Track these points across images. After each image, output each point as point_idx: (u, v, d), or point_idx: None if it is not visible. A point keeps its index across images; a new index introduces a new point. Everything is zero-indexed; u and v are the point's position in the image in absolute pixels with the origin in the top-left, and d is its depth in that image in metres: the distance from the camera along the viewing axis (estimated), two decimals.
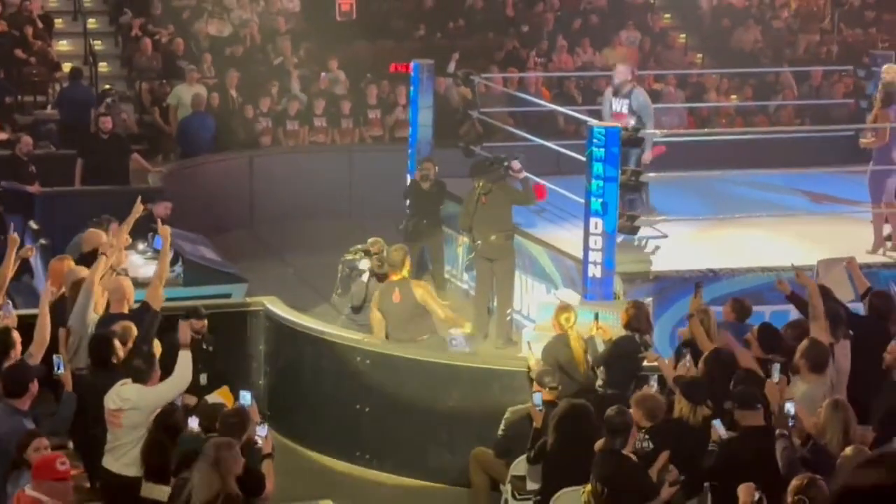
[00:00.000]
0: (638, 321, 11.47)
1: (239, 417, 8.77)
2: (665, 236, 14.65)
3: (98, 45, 22.06)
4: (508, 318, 14.74)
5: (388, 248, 13.43)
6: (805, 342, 10.14)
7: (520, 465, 10.65)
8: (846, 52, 23.07)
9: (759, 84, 22.19)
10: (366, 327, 13.34)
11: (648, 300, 13.15)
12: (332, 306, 14.56)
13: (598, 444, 9.22)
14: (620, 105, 15.04)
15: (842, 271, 12.58)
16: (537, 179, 15.57)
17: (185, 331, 9.85)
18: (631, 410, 9.41)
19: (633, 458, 9.15)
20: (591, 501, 8.96)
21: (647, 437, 9.48)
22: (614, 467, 8.99)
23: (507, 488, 10.81)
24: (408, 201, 16.20)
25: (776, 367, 9.89)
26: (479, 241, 14.70)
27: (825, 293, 11.05)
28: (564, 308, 11.76)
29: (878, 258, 14.28)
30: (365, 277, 13.83)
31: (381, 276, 13.54)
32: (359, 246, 14.05)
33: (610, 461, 9.02)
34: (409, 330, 12.79)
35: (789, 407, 9.12)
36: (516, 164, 14.72)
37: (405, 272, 12.97)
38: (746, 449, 8.93)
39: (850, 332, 10.92)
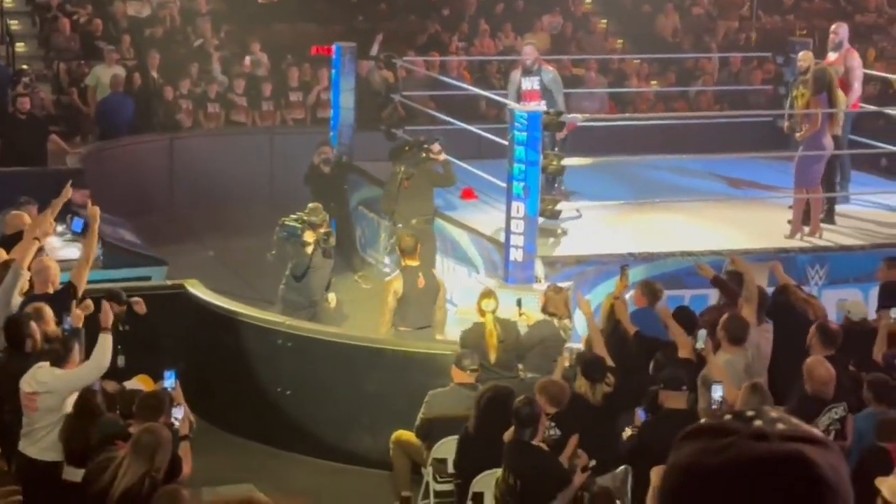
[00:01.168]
0: (555, 306, 11.53)
1: (156, 400, 8.71)
2: (579, 216, 14.70)
3: (14, 24, 21.78)
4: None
5: (396, 235, 13.35)
6: (725, 316, 10.28)
7: (441, 448, 10.68)
8: (765, 38, 23.28)
9: (680, 70, 22.34)
10: (304, 294, 13.34)
11: (569, 284, 13.22)
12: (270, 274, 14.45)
13: (508, 434, 9.25)
14: (531, 83, 15.03)
15: (765, 274, 12.75)
16: (460, 163, 15.58)
17: (107, 314, 9.77)
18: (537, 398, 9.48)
19: (543, 447, 9.17)
20: (501, 491, 8.97)
21: (553, 424, 9.50)
22: (525, 459, 9.02)
23: (428, 471, 10.83)
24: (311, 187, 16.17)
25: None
26: (400, 225, 14.69)
27: (748, 278, 11.20)
28: (486, 294, 11.77)
29: (796, 243, 14.42)
30: (309, 249, 13.80)
31: (326, 251, 13.55)
32: (300, 214, 13.99)
33: (520, 453, 9.05)
34: (427, 317, 12.80)
35: (716, 389, 9.21)
36: (436, 147, 14.72)
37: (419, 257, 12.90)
38: (667, 431, 8.99)
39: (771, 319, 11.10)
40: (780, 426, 1.89)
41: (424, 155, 14.65)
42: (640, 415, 9.57)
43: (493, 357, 11.34)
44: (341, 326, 13.72)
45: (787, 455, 1.86)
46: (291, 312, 13.57)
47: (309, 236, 13.69)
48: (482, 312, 11.53)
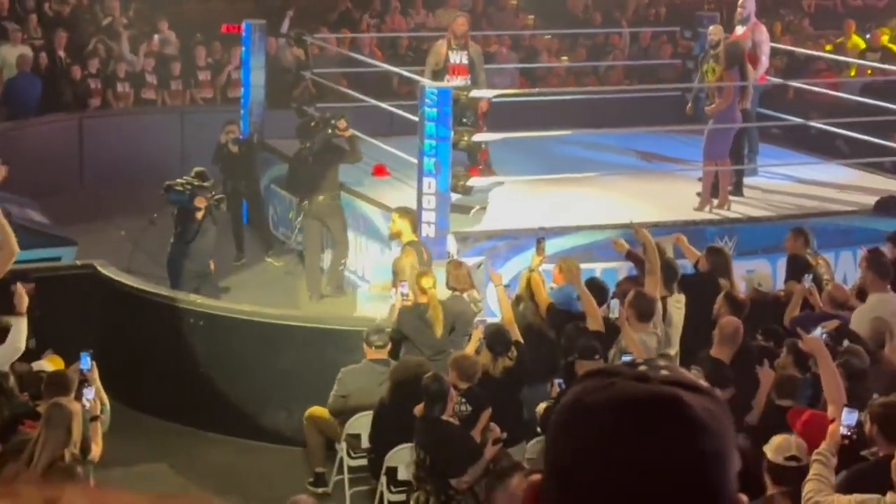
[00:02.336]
0: (457, 281, 11.56)
1: (63, 378, 8.68)
2: (494, 186, 14.77)
3: None
4: (341, 268, 14.76)
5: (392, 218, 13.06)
6: (632, 293, 10.37)
7: (355, 424, 10.71)
8: (673, 13, 23.44)
9: (590, 45, 22.44)
10: (196, 261, 13.60)
11: (481, 259, 13.28)
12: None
13: (418, 409, 9.30)
14: (459, 57, 15.03)
15: (669, 247, 12.88)
16: (371, 140, 15.59)
17: (21, 297, 9.68)
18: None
19: (453, 422, 9.21)
20: (415, 466, 9.02)
21: (463, 399, 9.54)
22: (434, 434, 9.07)
23: (342, 447, 10.87)
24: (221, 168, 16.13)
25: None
26: (306, 202, 14.71)
27: (660, 250, 11.30)
28: (424, 273, 11.68)
29: (705, 215, 14.58)
30: (199, 215, 13.82)
31: (215, 217, 13.69)
32: (187, 178, 13.99)
33: (430, 428, 9.10)
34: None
35: (626, 360, 9.31)
36: (342, 123, 14.70)
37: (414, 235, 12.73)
38: None
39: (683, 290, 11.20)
40: (664, 372, 1.95)
41: (331, 131, 14.63)
42: (557, 385, 9.66)
43: (439, 332, 11.24)
44: (255, 302, 13.70)
45: (662, 395, 1.92)
46: (181, 280, 13.58)
47: (200, 202, 13.74)
48: (423, 290, 11.40)
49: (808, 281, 11.23)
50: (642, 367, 1.97)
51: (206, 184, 13.92)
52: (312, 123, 14.89)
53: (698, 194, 14.86)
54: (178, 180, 14.05)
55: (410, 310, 11.34)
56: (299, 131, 15.05)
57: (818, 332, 9.13)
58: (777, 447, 7.35)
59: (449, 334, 11.39)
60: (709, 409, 1.93)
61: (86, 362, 9.21)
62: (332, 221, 14.67)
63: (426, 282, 11.40)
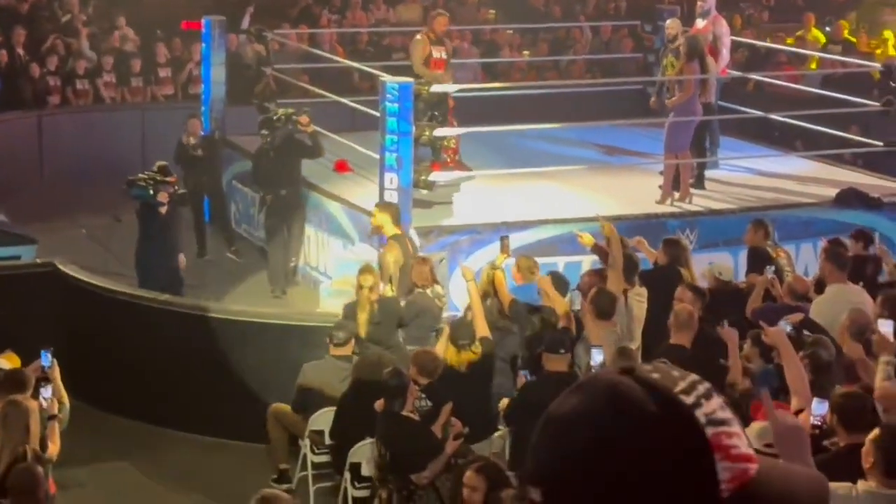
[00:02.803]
0: (421, 277, 11.55)
1: (19, 376, 8.63)
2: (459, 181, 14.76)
3: None
4: (293, 264, 14.84)
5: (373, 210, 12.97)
6: (593, 290, 10.37)
7: (318, 420, 10.68)
8: (634, 7, 23.48)
9: (552, 39, 22.46)
10: (165, 255, 13.66)
11: (443, 254, 13.27)
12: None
13: (378, 405, 9.28)
14: (440, 52, 14.96)
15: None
16: (333, 136, 15.56)
17: None
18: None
19: (413, 417, 9.19)
20: (376, 461, 9.00)
21: (423, 395, 9.51)
22: (393, 429, 9.05)
23: (305, 443, 10.84)
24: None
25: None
26: (269, 196, 14.69)
27: (624, 243, 11.31)
28: (364, 269, 11.70)
29: (667, 209, 14.61)
30: (164, 210, 13.82)
31: (172, 204, 13.67)
32: (149, 174, 13.98)
33: (388, 423, 9.08)
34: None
35: (596, 354, 9.31)
36: (304, 119, 14.68)
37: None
38: (546, 392, 9.06)
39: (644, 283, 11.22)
40: (655, 375, 1.94)
41: (292, 127, 14.63)
42: (524, 376, 9.66)
43: (363, 331, 11.28)
44: (218, 298, 13.66)
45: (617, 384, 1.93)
46: (149, 277, 13.57)
47: (163, 196, 13.75)
48: (359, 286, 11.47)
49: (769, 272, 11.26)
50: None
51: (168, 178, 13.89)
52: (274, 118, 14.87)
53: (660, 187, 14.89)
54: (141, 175, 14.00)
55: (350, 305, 11.40)
56: (261, 126, 15.04)
57: (782, 324, 9.16)
58: (758, 433, 7.36)
59: (398, 328, 11.42)
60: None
61: (46, 359, 9.15)
62: (292, 217, 14.67)
63: (364, 279, 11.36)
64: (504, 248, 11.66)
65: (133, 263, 14.14)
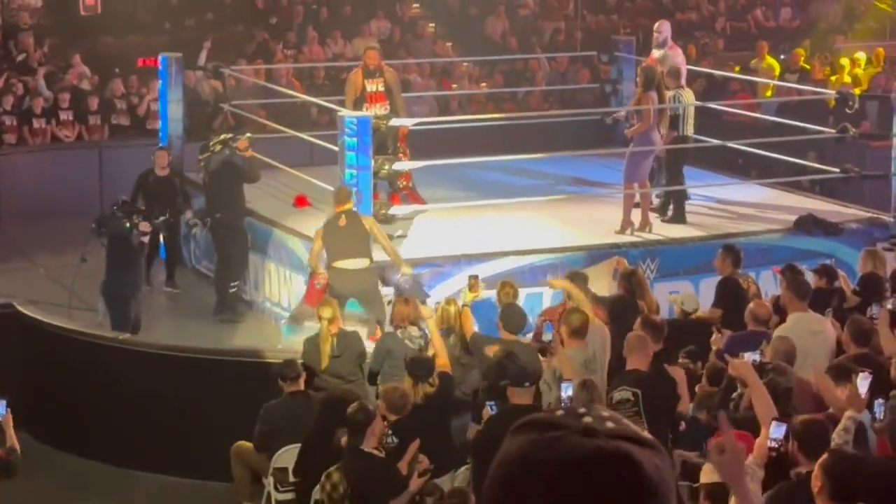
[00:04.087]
0: (398, 317, 11.52)
1: None
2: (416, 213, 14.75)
3: None
4: (233, 290, 14.84)
5: (336, 187, 13.32)
6: (566, 309, 10.42)
7: (281, 457, 10.62)
8: (590, 38, 23.59)
9: (509, 71, 22.52)
10: (138, 280, 13.66)
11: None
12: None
13: (343, 440, 9.24)
14: (375, 86, 15.00)
15: (608, 271, 12.92)
16: (291, 171, 15.53)
17: None
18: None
19: (377, 453, 9.13)
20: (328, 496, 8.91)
21: (390, 432, 9.46)
22: (356, 465, 8.99)
23: (269, 481, 10.78)
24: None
25: None
26: (209, 219, 14.78)
27: (580, 277, 11.39)
28: (325, 302, 11.72)
29: (627, 238, 14.64)
30: (146, 239, 13.98)
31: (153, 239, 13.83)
32: (121, 208, 14.00)
33: (352, 459, 9.02)
34: (351, 250, 12.65)
35: (566, 388, 9.33)
36: (243, 143, 14.80)
37: (349, 206, 12.83)
38: (510, 425, 9.06)
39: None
40: (609, 424, 1.92)
41: (229, 151, 14.72)
42: (489, 408, 9.64)
43: (324, 364, 11.28)
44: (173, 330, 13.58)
45: (613, 453, 1.89)
46: (128, 310, 13.51)
47: (145, 227, 13.78)
48: (319, 319, 11.50)
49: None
50: (587, 419, 1.94)
51: (142, 209, 13.95)
52: (211, 143, 14.92)
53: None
54: (114, 210, 13.92)
55: (312, 338, 11.44)
56: (201, 150, 15.12)
57: (748, 355, 9.22)
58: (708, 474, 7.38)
59: (359, 362, 11.42)
60: (658, 467, 1.91)
61: (1, 408, 9.05)
62: (230, 241, 14.70)
63: (324, 312, 11.39)
64: (473, 287, 11.65)
65: (97, 299, 13.99)
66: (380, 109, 14.69)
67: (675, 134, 15.24)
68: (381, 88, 14.91)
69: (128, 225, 13.64)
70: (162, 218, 14.34)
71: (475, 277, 11.88)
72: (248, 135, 15.07)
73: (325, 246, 12.75)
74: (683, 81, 16.05)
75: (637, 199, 14.94)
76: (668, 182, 15.61)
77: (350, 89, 14.92)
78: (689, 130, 15.39)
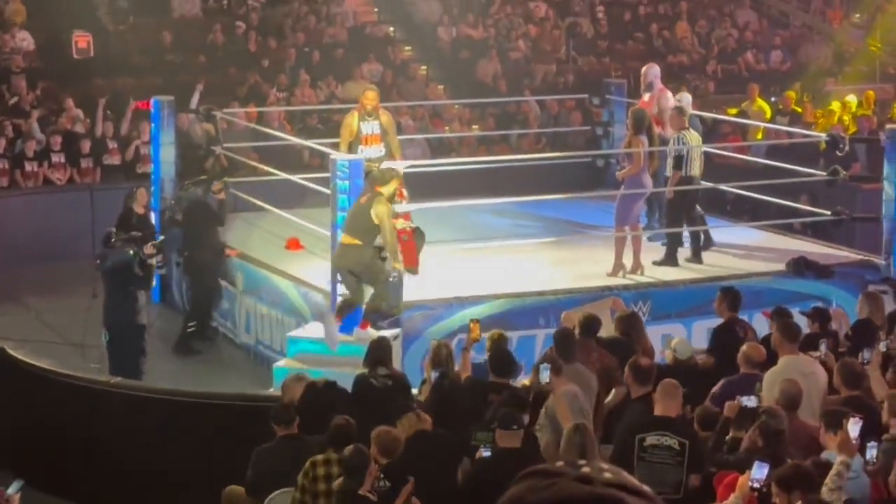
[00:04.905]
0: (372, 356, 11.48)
1: None
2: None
3: None
4: (191, 329, 15.28)
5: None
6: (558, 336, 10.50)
7: (273, 501, 10.56)
8: (581, 80, 23.67)
9: (501, 114, 22.58)
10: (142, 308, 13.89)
11: (397, 331, 13.24)
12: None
13: (336, 484, 9.21)
14: (371, 128, 15.03)
15: (606, 311, 12.92)
16: (283, 213, 15.53)
17: None
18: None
19: (372, 497, 9.10)
20: None
21: (382, 475, 9.42)
22: None
23: None
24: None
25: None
26: (185, 254, 15.42)
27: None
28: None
29: (619, 281, 14.65)
30: (152, 262, 14.20)
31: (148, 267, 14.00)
32: (129, 234, 14.08)
33: (345, 502, 9.00)
34: (352, 227, 13.07)
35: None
36: (217, 186, 15.29)
37: (377, 189, 13.12)
38: (499, 469, 9.06)
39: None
40: (606, 475, 1.93)
41: (202, 192, 14.87)
42: (482, 451, 9.62)
43: None
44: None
45: (605, 497, 1.90)
46: (143, 340, 13.93)
47: (150, 249, 14.06)
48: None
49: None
50: (585, 469, 1.95)
51: (136, 234, 14.28)
52: (187, 184, 15.08)
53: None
54: (112, 241, 14.07)
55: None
56: (181, 188, 15.34)
57: (745, 400, 9.30)
58: None
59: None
60: None
61: (14, 487, 8.99)
62: (197, 281, 15.00)
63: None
64: (473, 330, 11.61)
65: (101, 332, 14.07)
66: (375, 151, 14.73)
67: (680, 175, 15.23)
68: (376, 131, 14.95)
69: (132, 252, 13.77)
70: (161, 238, 14.71)
71: (476, 321, 11.86)
72: (225, 179, 15.51)
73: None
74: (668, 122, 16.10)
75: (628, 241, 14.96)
76: (671, 223, 15.58)
77: (345, 131, 14.97)
78: (696, 171, 15.37)
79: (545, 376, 10.20)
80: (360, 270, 13.16)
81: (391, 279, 13.16)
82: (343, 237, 13.15)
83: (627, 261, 14.79)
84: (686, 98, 16.42)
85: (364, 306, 13.19)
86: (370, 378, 11.10)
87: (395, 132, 15.44)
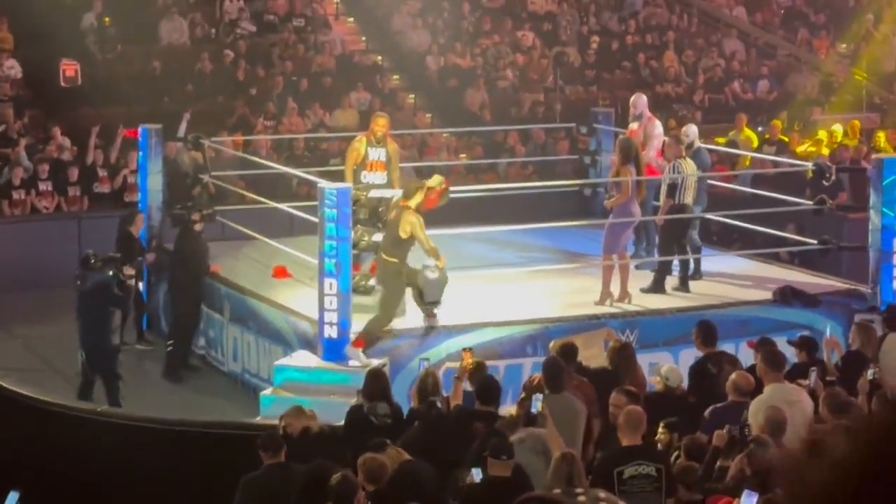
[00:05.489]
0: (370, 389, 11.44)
1: None
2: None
3: None
4: (169, 349, 15.45)
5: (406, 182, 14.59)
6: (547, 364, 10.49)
7: None
8: (568, 109, 23.73)
9: (488, 143, 22.62)
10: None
11: (384, 360, 13.22)
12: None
13: None
14: (378, 154, 15.11)
15: (600, 342, 12.92)
16: (271, 241, 15.52)
17: None
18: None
19: None
20: None
21: (369, 502, 9.40)
22: None
23: None
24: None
25: None
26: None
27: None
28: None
29: (606, 309, 14.64)
30: (132, 283, 14.79)
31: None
32: (107, 254, 14.37)
33: None
34: (385, 243, 13.69)
35: None
36: (196, 216, 15.57)
37: (411, 203, 13.48)
38: (487, 496, 9.05)
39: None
40: (602, 503, 1.95)
41: (112, 272, 14.99)
42: (474, 475, 9.60)
43: None
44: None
45: None
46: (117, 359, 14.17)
47: (129, 271, 14.47)
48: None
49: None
50: (581, 497, 1.96)
51: (114, 255, 14.49)
52: (92, 261, 15.05)
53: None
54: (91, 263, 14.18)
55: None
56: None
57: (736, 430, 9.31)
58: None
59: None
60: None
61: (11, 500, 8.96)
62: (178, 302, 15.66)
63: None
64: (466, 359, 11.55)
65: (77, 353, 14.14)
66: (378, 178, 14.88)
67: (672, 202, 15.23)
68: (382, 158, 15.07)
69: (111, 273, 13.85)
70: (140, 258, 15.26)
71: (468, 350, 11.83)
72: (203, 211, 15.82)
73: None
74: (654, 153, 16.14)
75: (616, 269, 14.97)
76: (663, 251, 15.59)
77: (352, 155, 15.04)
78: (689, 200, 15.39)
79: (537, 406, 10.14)
80: (385, 280, 13.61)
81: (432, 276, 13.45)
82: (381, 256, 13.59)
83: (615, 289, 14.79)
84: (692, 131, 16.43)
85: (366, 325, 13.34)
86: (369, 415, 11.04)
87: (398, 162, 15.49)
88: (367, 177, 14.86)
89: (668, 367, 12.51)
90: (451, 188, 18.14)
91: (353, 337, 13.34)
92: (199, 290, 15.63)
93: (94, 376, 13.98)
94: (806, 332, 13.48)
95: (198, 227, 15.63)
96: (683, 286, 15.36)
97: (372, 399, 11.11)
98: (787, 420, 9.64)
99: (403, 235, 13.26)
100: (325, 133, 21.79)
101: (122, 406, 13.87)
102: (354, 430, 10.96)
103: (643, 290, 15.16)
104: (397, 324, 13.85)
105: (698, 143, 16.34)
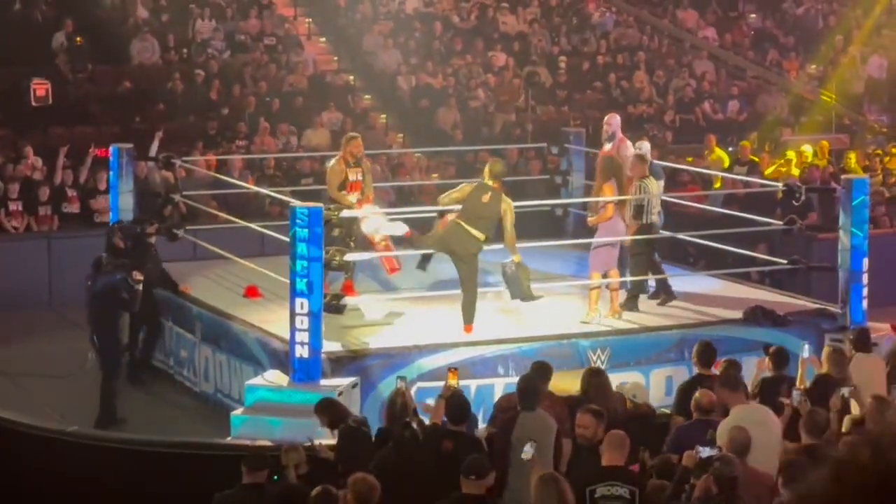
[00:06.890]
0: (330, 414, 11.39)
1: None
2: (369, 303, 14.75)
3: None
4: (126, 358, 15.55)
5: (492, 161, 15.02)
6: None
7: None
8: (540, 129, 23.79)
9: (460, 162, 22.64)
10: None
11: (355, 379, 13.18)
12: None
13: None
14: (356, 175, 15.17)
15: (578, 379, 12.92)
16: (242, 261, 15.49)
17: None
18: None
19: None
20: None
21: None
22: None
23: None
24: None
25: None
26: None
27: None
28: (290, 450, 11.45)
29: (578, 328, 14.64)
30: (139, 288, 14.58)
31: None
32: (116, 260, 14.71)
33: None
34: (479, 223, 14.07)
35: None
36: (152, 229, 15.93)
37: (497, 185, 14.08)
38: None
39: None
40: None
41: (120, 276, 15.04)
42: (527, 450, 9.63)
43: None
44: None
45: None
46: (117, 361, 14.64)
47: (138, 276, 14.53)
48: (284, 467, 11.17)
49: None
50: None
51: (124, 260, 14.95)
52: (104, 263, 15.09)
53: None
54: (104, 265, 14.65)
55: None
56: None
57: (705, 451, 9.28)
58: None
59: None
60: None
61: None
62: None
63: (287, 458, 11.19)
64: (452, 378, 11.53)
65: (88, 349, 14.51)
66: (357, 198, 14.96)
67: (639, 223, 15.26)
68: (360, 178, 15.13)
69: (120, 276, 14.07)
70: (150, 265, 15.37)
71: (454, 369, 11.79)
72: (157, 224, 16.23)
73: (463, 205, 14.09)
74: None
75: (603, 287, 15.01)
76: (636, 271, 15.61)
77: (335, 178, 15.06)
78: (655, 218, 15.43)
79: (528, 453, 9.97)
80: (470, 255, 14.22)
81: (508, 268, 14.16)
82: (470, 228, 14.08)
83: (603, 307, 14.83)
84: (645, 146, 16.49)
85: None
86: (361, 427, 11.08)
87: (371, 180, 15.62)
88: (350, 197, 14.98)
89: (632, 383, 12.53)
90: (424, 207, 18.27)
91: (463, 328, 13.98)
92: (153, 301, 15.68)
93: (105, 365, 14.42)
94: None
95: (152, 239, 15.88)
96: (632, 303, 15.33)
97: (333, 427, 11.12)
98: (750, 440, 9.67)
99: (503, 216, 13.95)
100: (297, 153, 21.78)
101: (115, 415, 14.18)
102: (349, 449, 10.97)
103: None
104: (371, 343, 13.85)
105: (650, 158, 16.41)
